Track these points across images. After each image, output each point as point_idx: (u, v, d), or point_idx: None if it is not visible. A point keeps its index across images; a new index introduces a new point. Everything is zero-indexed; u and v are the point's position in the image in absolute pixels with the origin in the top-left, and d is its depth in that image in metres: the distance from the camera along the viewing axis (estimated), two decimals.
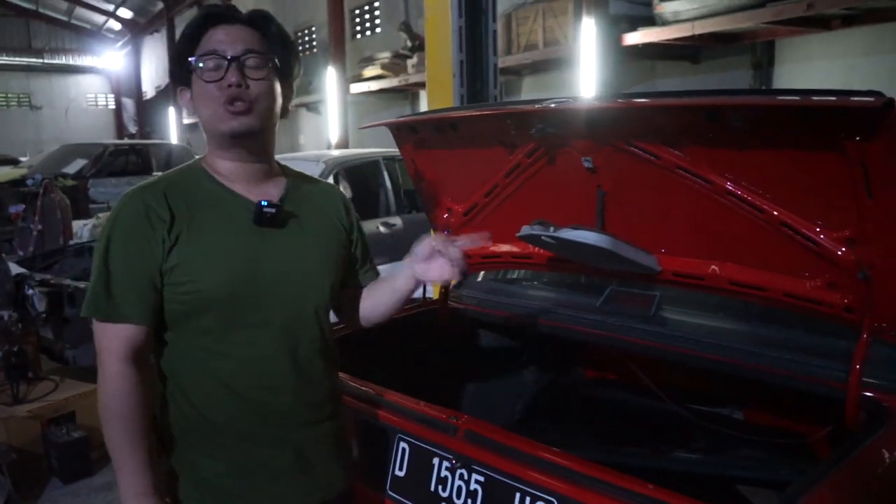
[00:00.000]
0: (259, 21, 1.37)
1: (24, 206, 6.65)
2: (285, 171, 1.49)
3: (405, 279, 1.51)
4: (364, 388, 1.86)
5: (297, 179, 1.49)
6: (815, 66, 6.32)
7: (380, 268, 1.66)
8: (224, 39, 1.32)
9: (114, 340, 1.29)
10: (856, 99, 1.26)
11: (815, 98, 1.32)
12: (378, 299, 1.58)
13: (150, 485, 1.29)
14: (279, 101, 1.38)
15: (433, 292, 2.74)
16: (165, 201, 1.31)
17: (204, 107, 1.33)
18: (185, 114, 18.77)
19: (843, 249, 1.60)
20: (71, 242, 6.25)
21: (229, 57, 1.30)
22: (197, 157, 1.44)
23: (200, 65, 1.31)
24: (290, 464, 1.39)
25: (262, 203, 1.35)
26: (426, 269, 1.46)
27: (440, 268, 1.44)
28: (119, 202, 1.34)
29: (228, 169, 1.39)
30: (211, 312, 1.32)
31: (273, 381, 1.37)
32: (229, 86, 1.30)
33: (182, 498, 1.37)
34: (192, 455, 1.36)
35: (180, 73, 1.36)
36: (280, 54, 1.37)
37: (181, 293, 1.31)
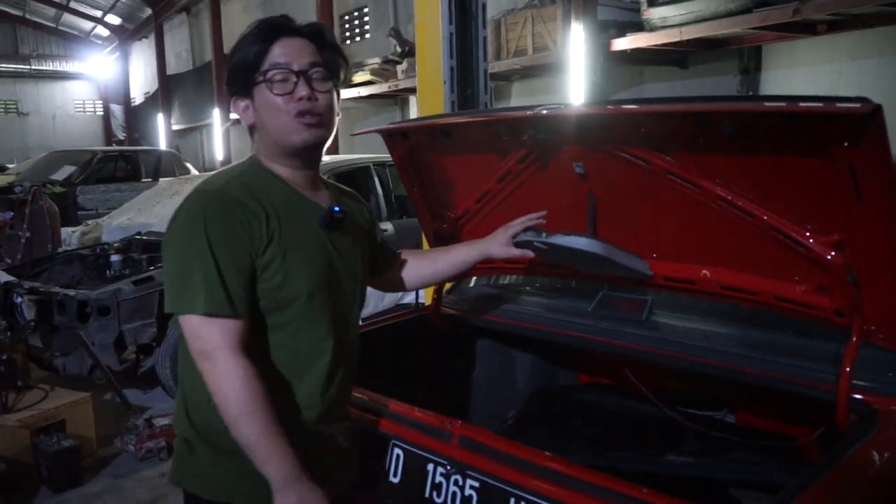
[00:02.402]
0: (316, 34, 1.42)
1: (11, 213, 6.60)
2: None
3: (476, 253, 1.83)
4: (357, 395, 1.86)
5: (331, 185, 1.59)
6: (801, 71, 6.38)
7: None
8: (290, 52, 1.37)
9: (228, 335, 1.28)
10: (843, 105, 1.28)
11: (803, 104, 1.34)
12: (438, 269, 1.85)
13: (300, 468, 1.27)
14: (338, 111, 1.45)
15: (425, 298, 2.75)
16: (253, 197, 1.33)
17: (272, 118, 1.38)
18: (174, 120, 18.72)
19: (833, 253, 1.61)
20: (59, 250, 6.21)
21: (297, 70, 1.36)
22: (248, 157, 1.47)
23: (269, 78, 1.36)
24: (336, 455, 1.47)
25: (336, 209, 1.43)
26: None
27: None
28: (198, 199, 1.33)
29: (290, 175, 1.43)
30: (288, 310, 1.36)
31: (331, 378, 1.43)
32: (300, 99, 1.36)
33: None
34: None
35: (240, 83, 1.40)
36: (337, 65, 1.44)
37: (266, 290, 1.34)
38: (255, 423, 1.25)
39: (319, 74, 1.39)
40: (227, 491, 1.37)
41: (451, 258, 1.86)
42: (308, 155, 1.43)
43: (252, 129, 1.45)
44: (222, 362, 1.26)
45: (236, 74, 1.40)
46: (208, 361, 1.27)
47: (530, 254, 1.86)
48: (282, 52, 1.36)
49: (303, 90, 1.36)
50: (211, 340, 1.27)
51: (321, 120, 1.39)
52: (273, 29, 1.38)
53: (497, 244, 1.84)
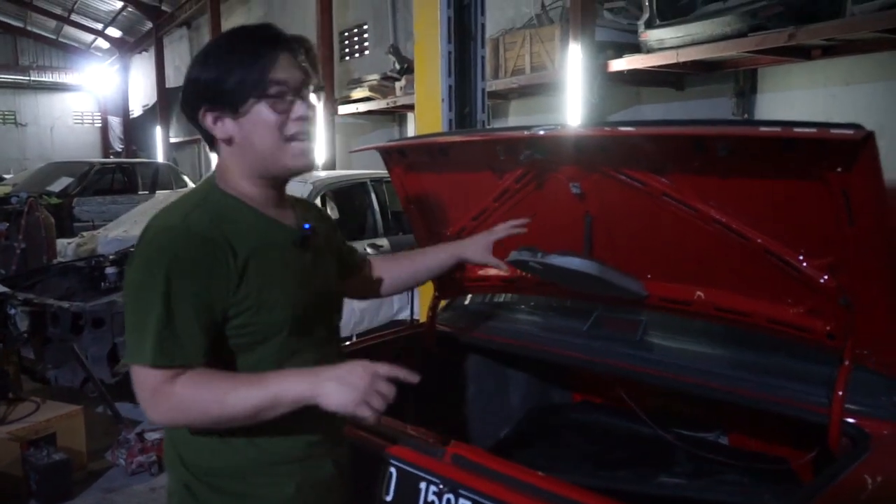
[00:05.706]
0: (308, 51, 1.36)
1: (7, 224, 6.59)
2: None
3: (450, 256, 1.81)
4: None
5: (290, 198, 1.51)
6: (796, 95, 6.43)
7: None
8: (288, 69, 1.31)
9: (172, 379, 1.21)
10: (837, 131, 1.30)
11: (797, 130, 1.36)
12: (413, 274, 1.83)
13: (304, 370, 1.25)
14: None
15: (420, 315, 2.75)
16: (220, 231, 1.26)
17: (265, 137, 1.31)
18: (172, 133, 18.75)
19: (826, 276, 1.62)
20: (55, 261, 6.20)
21: (294, 87, 1.31)
22: (208, 182, 1.39)
23: (272, 94, 1.29)
24: (336, 477, 1.44)
25: (306, 226, 1.39)
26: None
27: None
28: (158, 239, 1.25)
29: (258, 194, 1.37)
30: (270, 342, 1.31)
31: None
32: (298, 119, 1.31)
33: None
34: (251, 489, 1.32)
35: (226, 97, 1.30)
36: (320, 81, 1.39)
37: (245, 325, 1.28)
38: (237, 394, 1.20)
39: (311, 92, 1.35)
40: None
41: (426, 262, 1.83)
42: (290, 177, 1.39)
43: (219, 144, 1.35)
44: (171, 390, 1.20)
45: (224, 86, 1.29)
46: (156, 399, 1.20)
47: (504, 266, 1.85)
48: (283, 69, 1.30)
49: (300, 109, 1.32)
50: (152, 384, 1.21)
51: (312, 140, 1.36)
52: (272, 43, 1.31)
53: (474, 249, 1.81)
